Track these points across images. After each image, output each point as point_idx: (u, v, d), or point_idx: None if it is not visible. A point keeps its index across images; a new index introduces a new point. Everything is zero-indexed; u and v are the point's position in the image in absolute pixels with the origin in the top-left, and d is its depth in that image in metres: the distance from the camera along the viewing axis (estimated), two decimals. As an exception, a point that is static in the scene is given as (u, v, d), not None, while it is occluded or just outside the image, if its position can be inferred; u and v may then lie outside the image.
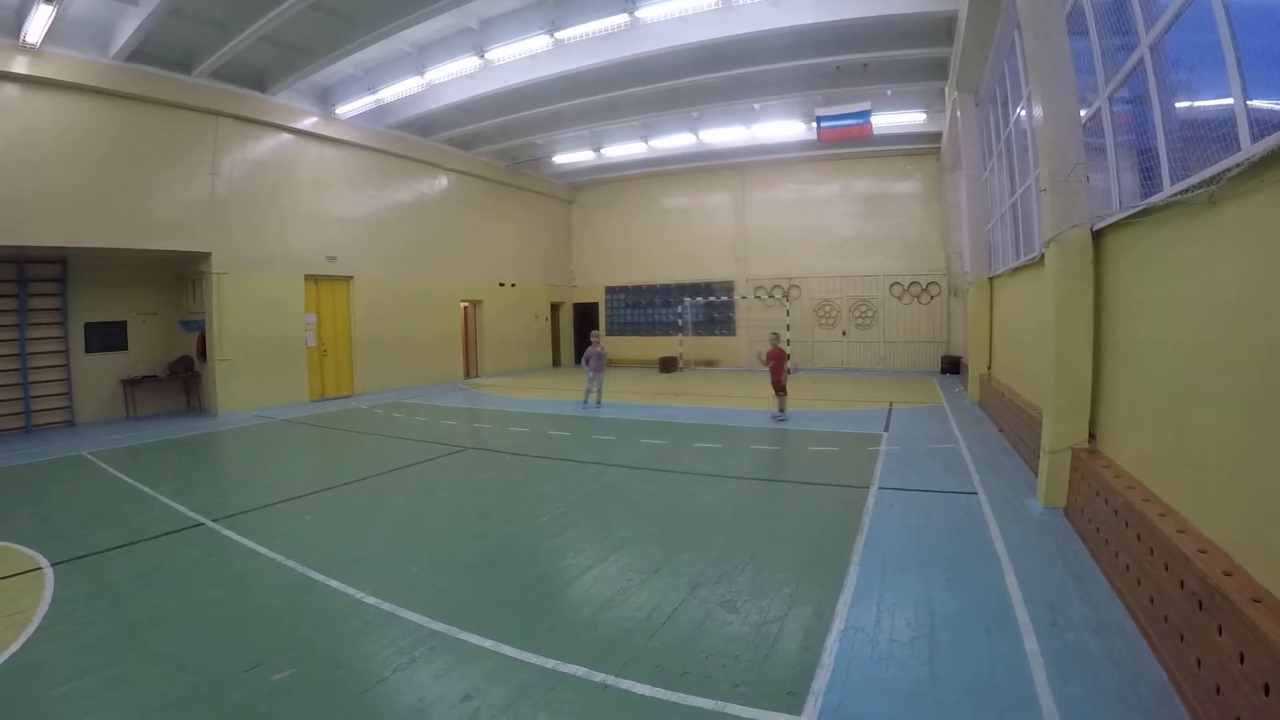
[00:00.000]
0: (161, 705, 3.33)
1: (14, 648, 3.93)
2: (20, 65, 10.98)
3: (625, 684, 3.40)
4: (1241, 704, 2.59)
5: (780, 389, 12.12)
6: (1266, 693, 2.43)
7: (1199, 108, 4.16)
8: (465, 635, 3.98)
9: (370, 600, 4.53)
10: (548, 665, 3.60)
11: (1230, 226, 3.40)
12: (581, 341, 26.10)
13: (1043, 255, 6.56)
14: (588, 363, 14.08)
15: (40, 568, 5.32)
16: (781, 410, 12.03)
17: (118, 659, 3.81)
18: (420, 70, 14.34)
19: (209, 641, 4.02)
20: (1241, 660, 2.63)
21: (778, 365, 12.11)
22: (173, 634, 4.14)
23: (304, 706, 3.31)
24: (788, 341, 19.93)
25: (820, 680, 3.39)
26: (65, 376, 13.18)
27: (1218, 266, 3.56)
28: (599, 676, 3.47)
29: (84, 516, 6.92)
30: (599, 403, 13.98)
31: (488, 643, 3.87)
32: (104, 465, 9.32)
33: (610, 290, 26.00)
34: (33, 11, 9.99)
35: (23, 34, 10.60)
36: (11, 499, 7.78)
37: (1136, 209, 4.68)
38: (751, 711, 3.14)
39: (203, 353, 14.39)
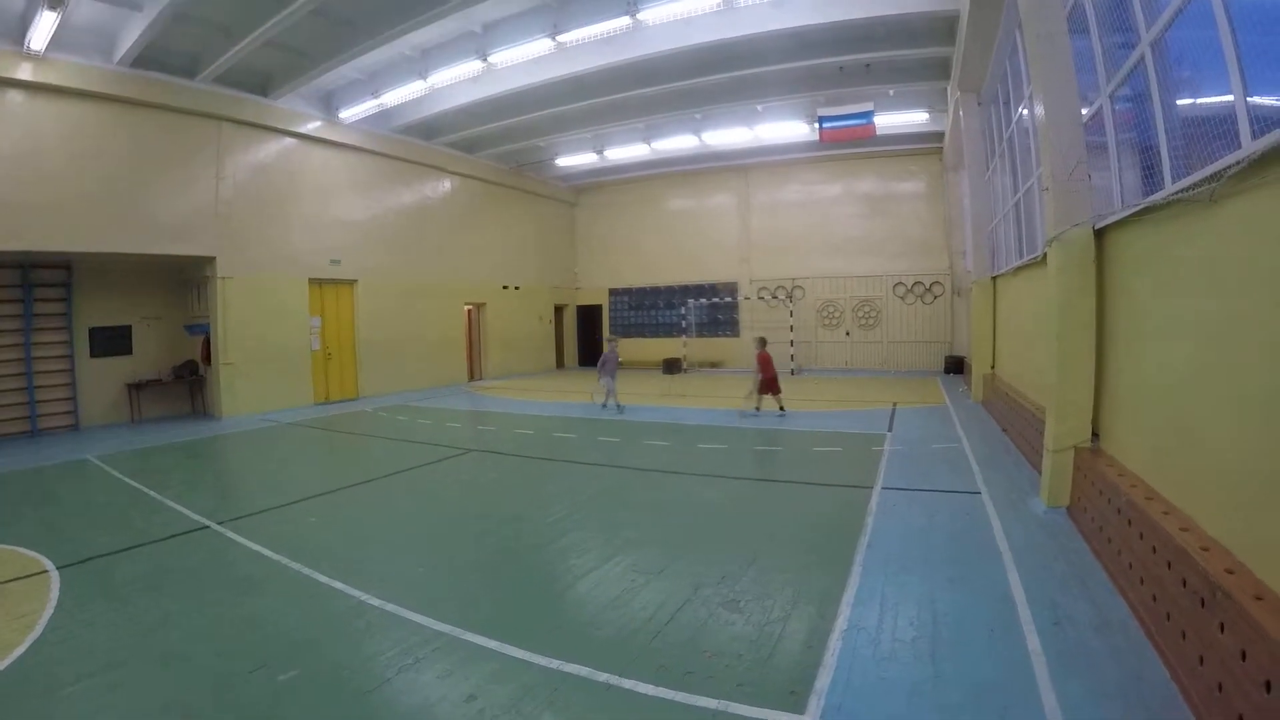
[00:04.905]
0: (167, 706, 3.34)
1: (19, 651, 3.94)
2: (25, 72, 11.03)
3: (629, 684, 3.41)
4: (1243, 702, 2.59)
5: (774, 388, 12.41)
6: (1268, 690, 2.43)
7: (1200, 105, 4.16)
8: (469, 636, 3.99)
9: (375, 601, 4.55)
10: (551, 665, 3.61)
11: (1232, 224, 3.39)
12: (585, 344, 26.17)
13: (1045, 254, 6.55)
14: (603, 366, 13.82)
15: (46, 571, 5.33)
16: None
17: (123, 661, 3.82)
18: (423, 74, 14.36)
19: (214, 643, 4.03)
20: (1243, 658, 2.62)
21: (767, 366, 12.42)
22: (178, 636, 4.15)
23: (309, 707, 3.32)
24: (790, 342, 20.43)
25: (823, 679, 3.40)
26: (70, 381, 13.20)
27: (1220, 264, 3.55)
28: (602, 676, 3.48)
29: (89, 520, 6.94)
30: (620, 406, 13.66)
31: (492, 643, 3.88)
32: (109, 469, 9.33)
33: (614, 292, 25.99)
34: (37, 18, 10.01)
35: (27, 40, 10.64)
36: (17, 503, 7.80)
37: (1138, 207, 4.68)
38: (755, 711, 3.14)
39: (207, 357, 14.42)
